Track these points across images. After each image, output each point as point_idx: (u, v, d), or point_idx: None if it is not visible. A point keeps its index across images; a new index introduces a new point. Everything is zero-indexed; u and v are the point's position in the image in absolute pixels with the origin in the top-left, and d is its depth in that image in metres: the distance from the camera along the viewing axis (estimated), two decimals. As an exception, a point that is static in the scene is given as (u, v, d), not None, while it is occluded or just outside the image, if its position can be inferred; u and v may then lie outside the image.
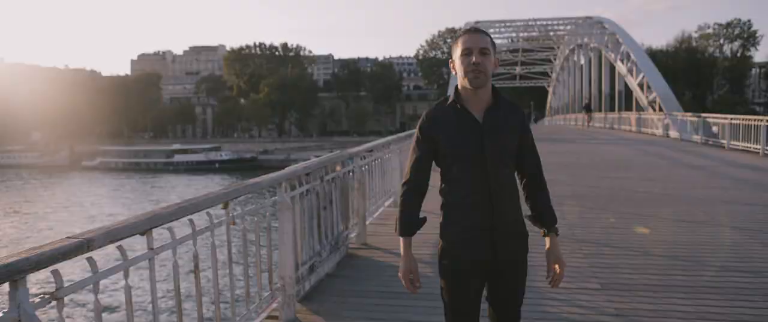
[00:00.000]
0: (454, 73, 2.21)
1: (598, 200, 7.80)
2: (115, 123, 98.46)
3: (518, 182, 2.26)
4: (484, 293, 2.25)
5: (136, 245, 2.48)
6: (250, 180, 3.40)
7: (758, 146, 14.06)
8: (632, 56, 30.96)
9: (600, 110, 37.15)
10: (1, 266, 1.70)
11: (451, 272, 2.20)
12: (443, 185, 2.20)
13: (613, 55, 34.79)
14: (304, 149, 75.66)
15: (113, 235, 2.15)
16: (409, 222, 2.25)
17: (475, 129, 2.14)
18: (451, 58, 2.23)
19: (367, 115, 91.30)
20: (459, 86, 2.20)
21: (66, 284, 1.95)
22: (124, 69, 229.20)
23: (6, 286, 1.78)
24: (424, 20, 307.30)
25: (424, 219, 2.26)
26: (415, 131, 2.25)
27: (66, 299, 1.99)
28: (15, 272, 1.74)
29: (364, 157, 5.85)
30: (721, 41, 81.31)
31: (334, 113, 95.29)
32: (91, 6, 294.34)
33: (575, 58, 47.04)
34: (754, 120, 14.64)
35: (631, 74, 31.39)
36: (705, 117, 19.08)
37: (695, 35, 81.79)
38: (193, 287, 2.88)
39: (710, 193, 8.47)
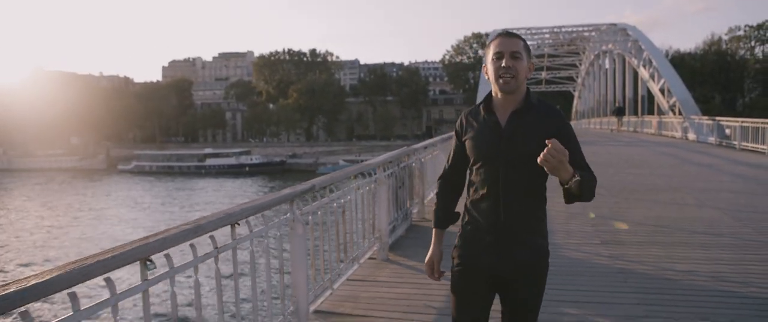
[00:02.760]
0: (486, 77, 2.20)
1: (610, 188, 9.25)
2: (148, 128, 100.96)
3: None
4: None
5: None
6: (361, 164, 5.04)
7: (765, 147, 15.38)
8: (654, 62, 32.05)
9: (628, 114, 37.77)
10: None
11: (458, 272, 2.22)
12: (468, 185, 2.25)
13: (635, 61, 35.82)
14: (332, 153, 77.06)
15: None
16: (443, 216, 2.35)
17: (495, 133, 2.13)
18: (484, 62, 2.20)
19: (393, 120, 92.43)
20: (492, 90, 2.21)
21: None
22: (155, 75, 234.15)
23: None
24: (450, 25, 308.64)
25: (458, 214, 2.32)
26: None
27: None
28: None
29: (422, 152, 7.43)
30: (753, 43, 79.17)
31: (361, 118, 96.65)
32: (124, 15, 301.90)
33: (600, 64, 48.13)
34: (761, 123, 15.93)
35: (653, 80, 32.45)
36: (719, 120, 20.33)
37: (725, 37, 79.90)
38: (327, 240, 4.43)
39: (707, 185, 9.96)
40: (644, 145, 21.10)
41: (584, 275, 4.64)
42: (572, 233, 6.08)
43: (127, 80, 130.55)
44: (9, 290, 1.52)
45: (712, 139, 20.32)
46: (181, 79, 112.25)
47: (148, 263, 2.07)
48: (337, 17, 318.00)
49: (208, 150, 78.18)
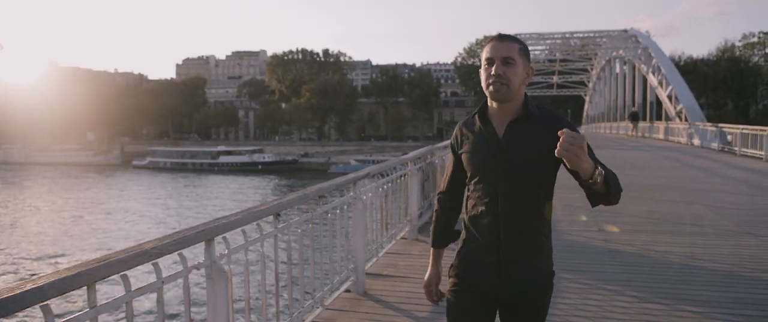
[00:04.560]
0: (482, 83, 2.04)
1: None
2: (161, 125, 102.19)
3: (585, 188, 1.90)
4: None
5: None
6: (394, 159, 6.02)
7: (762, 152, 16.24)
8: (662, 69, 32.83)
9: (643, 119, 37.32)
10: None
11: (455, 293, 2.10)
12: (466, 199, 2.12)
13: (645, 68, 36.52)
14: (343, 153, 77.85)
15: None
16: (441, 235, 2.23)
17: (492, 144, 2.00)
18: (480, 66, 2.05)
19: (405, 121, 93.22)
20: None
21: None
22: (169, 73, 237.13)
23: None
24: (462, 28, 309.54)
25: (459, 232, 2.17)
26: None
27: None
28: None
29: (443, 151, 8.37)
30: (767, 50, 78.78)
31: (373, 118, 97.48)
32: (139, 12, 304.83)
33: (611, 69, 48.91)
34: (760, 130, 16.79)
35: (662, 86, 33.22)
36: (721, 127, 21.18)
37: (739, 44, 79.58)
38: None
39: (700, 185, 10.91)
40: (649, 149, 21.93)
41: (581, 253, 5.60)
42: (574, 222, 7.02)
43: (141, 77, 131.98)
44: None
45: (715, 145, 21.13)
46: (195, 77, 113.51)
47: (277, 216, 3.05)
48: (350, 17, 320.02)
49: (221, 147, 79.22)
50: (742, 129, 18.30)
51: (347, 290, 4.31)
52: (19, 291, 1.58)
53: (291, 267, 3.43)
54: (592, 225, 6.91)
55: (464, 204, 2.13)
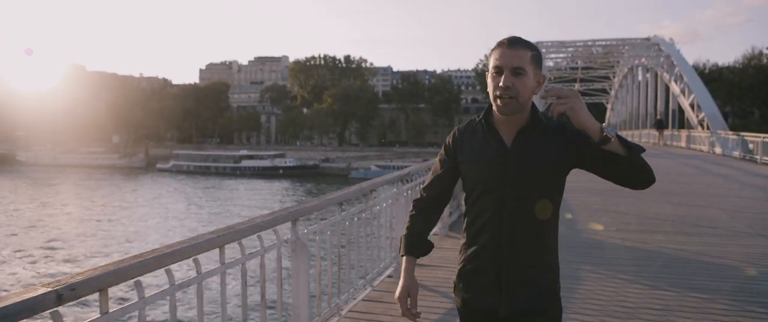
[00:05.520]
0: (488, 89, 1.88)
1: (630, 191, 10.58)
2: (185, 129, 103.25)
3: (614, 172, 1.83)
4: None
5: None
6: (421, 163, 6.51)
7: (784, 161, 16.53)
8: (685, 78, 32.96)
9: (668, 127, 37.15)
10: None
11: (461, 312, 2.01)
12: (465, 211, 1.99)
13: (667, 76, 36.58)
14: (364, 158, 78.38)
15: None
16: (416, 241, 2.04)
17: (499, 154, 1.87)
18: (488, 70, 1.89)
19: (425, 127, 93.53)
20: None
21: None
22: (192, 78, 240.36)
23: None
24: (482, 34, 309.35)
25: (431, 244, 2.06)
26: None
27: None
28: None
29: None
30: None
31: (394, 124, 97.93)
32: (163, 18, 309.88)
33: (633, 77, 48.95)
34: (780, 139, 17.09)
35: (684, 95, 33.33)
36: (743, 135, 21.43)
37: (766, 52, 76.81)
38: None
39: (718, 191, 11.36)
40: (671, 157, 22.20)
41: (598, 249, 6.10)
42: (593, 222, 7.48)
43: (165, 82, 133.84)
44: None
45: (736, 153, 21.35)
46: (219, 82, 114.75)
47: (340, 205, 3.60)
48: (371, 24, 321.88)
49: (243, 152, 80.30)
50: (764, 137, 18.56)
51: (389, 276, 4.85)
52: (169, 249, 2.13)
53: (349, 250, 3.99)
54: (611, 225, 7.37)
55: (464, 217, 1.99)
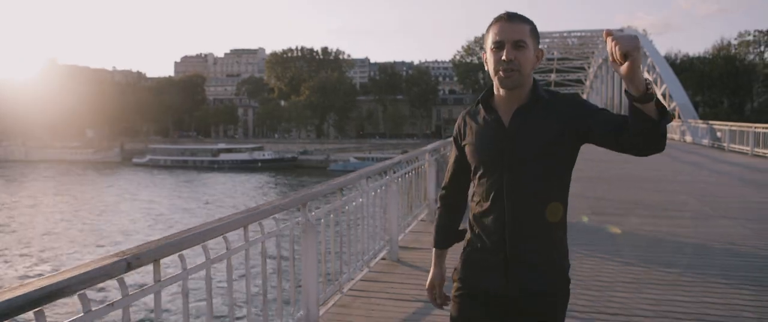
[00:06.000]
0: (486, 67, 1.87)
1: (605, 178, 11.17)
2: (160, 122, 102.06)
3: (626, 141, 1.69)
4: None
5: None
6: (415, 151, 6.88)
7: (748, 148, 17.26)
8: (657, 68, 33.83)
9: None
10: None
11: (459, 298, 1.94)
12: (471, 195, 1.97)
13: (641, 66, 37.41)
14: (342, 151, 78.54)
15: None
16: (444, 234, 2.08)
17: (498, 133, 1.85)
18: (483, 49, 1.89)
19: (403, 119, 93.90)
20: (493, 84, 1.88)
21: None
22: (167, 71, 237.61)
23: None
24: (460, 25, 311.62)
25: (464, 231, 2.00)
26: None
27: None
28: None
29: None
30: (762, 48, 79.36)
31: (372, 116, 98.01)
32: (136, 10, 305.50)
33: (608, 68, 49.88)
34: (746, 126, 17.81)
35: (656, 85, 34.22)
36: (712, 124, 22.21)
37: (734, 42, 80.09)
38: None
39: (687, 177, 11.99)
40: (643, 146, 22.85)
41: (576, 230, 6.44)
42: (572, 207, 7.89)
43: (140, 75, 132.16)
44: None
45: (705, 141, 22.13)
46: (195, 75, 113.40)
47: (341, 191, 3.93)
48: (348, 15, 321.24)
49: (221, 145, 79.89)
50: (731, 126, 19.35)
51: (383, 258, 5.18)
52: (186, 234, 2.42)
53: (349, 231, 4.32)
54: (586, 210, 7.81)
55: (469, 201, 1.98)
